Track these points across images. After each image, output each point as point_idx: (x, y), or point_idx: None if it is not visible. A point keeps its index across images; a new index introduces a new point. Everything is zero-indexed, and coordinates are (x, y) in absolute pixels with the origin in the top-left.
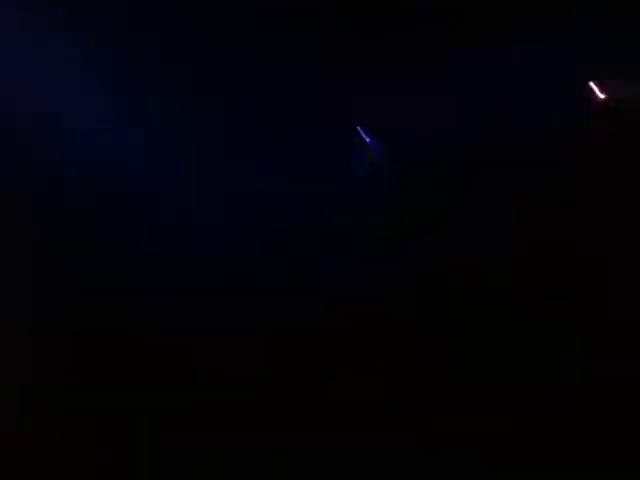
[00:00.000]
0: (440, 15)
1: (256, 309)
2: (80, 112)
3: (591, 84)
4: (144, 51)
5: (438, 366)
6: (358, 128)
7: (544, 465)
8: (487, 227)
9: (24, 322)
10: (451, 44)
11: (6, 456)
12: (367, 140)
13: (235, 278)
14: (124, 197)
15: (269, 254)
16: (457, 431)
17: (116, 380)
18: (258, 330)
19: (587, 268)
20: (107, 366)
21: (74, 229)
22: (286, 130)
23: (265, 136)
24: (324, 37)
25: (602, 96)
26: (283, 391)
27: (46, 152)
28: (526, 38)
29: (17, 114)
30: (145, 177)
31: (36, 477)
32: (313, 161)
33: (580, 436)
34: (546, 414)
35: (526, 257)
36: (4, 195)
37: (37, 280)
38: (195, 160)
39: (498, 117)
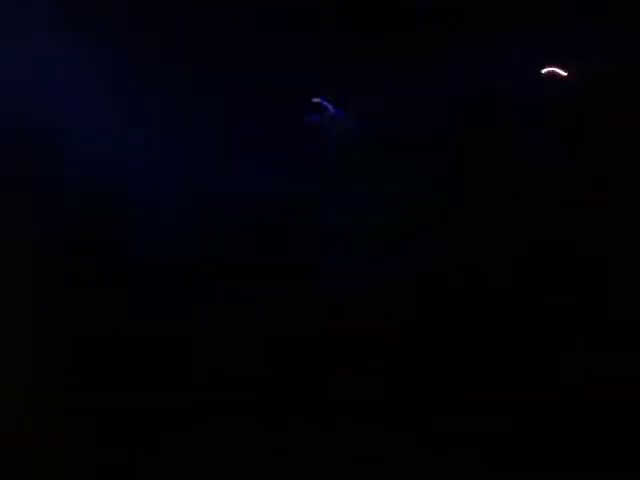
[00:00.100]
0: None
1: (256, 309)
2: (80, 112)
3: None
4: (144, 51)
5: (438, 366)
6: (323, 102)
7: (544, 465)
8: (487, 227)
9: (24, 322)
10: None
11: (6, 456)
12: (332, 111)
13: (235, 278)
14: (124, 197)
15: (269, 254)
16: (457, 431)
17: (116, 380)
18: (258, 330)
19: (587, 268)
20: (107, 366)
21: (74, 228)
22: (286, 130)
23: (265, 136)
24: (324, 37)
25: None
26: (283, 391)
27: (46, 152)
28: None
29: (17, 114)
30: (145, 176)
31: (36, 477)
32: (314, 161)
33: (580, 436)
34: (546, 414)
35: (526, 257)
36: (4, 195)
37: (37, 280)
38: (194, 159)
39: (477, 101)
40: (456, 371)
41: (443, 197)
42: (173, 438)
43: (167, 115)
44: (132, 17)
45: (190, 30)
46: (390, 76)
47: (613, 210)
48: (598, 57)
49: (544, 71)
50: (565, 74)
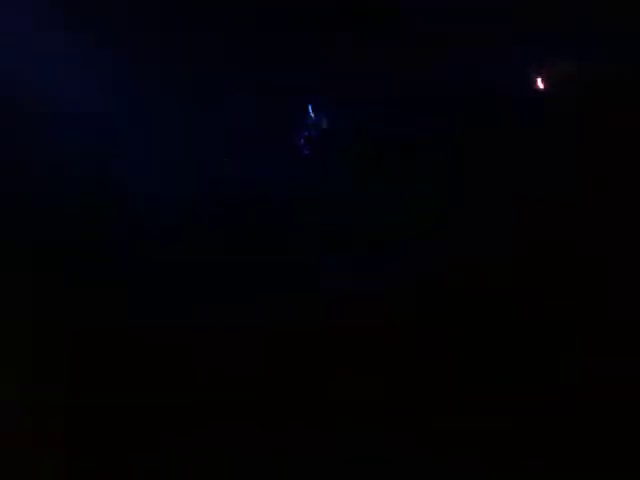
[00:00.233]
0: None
1: (256, 309)
2: (80, 112)
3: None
4: (144, 51)
5: (438, 366)
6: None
7: (544, 465)
8: (487, 227)
9: (24, 321)
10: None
11: (6, 456)
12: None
13: (235, 278)
14: (123, 197)
15: (269, 254)
16: (457, 431)
17: (116, 380)
18: (258, 330)
19: (587, 268)
20: (107, 366)
21: (74, 228)
22: (285, 130)
23: (265, 136)
24: (324, 37)
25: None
26: (283, 391)
27: (46, 151)
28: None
29: (17, 114)
30: (145, 177)
31: (36, 477)
32: (314, 161)
33: (580, 436)
34: (546, 414)
35: (526, 257)
36: (5, 195)
37: (37, 279)
38: (193, 159)
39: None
40: (456, 371)
41: (443, 197)
42: (173, 438)
43: (167, 115)
44: (132, 17)
45: (190, 30)
46: (390, 76)
47: (613, 210)
48: (598, 57)
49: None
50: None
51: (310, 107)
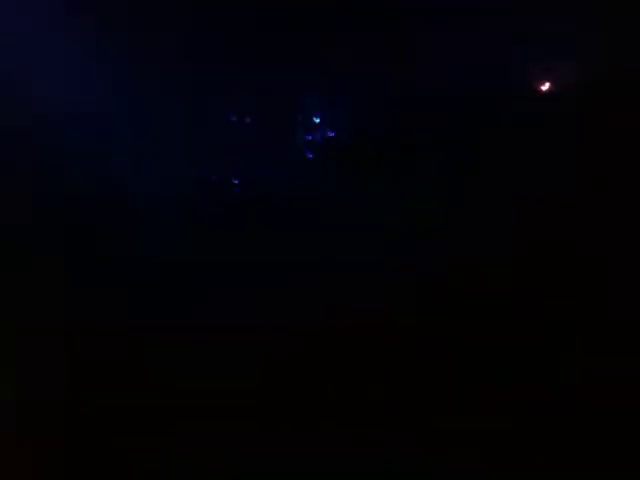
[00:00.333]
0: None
1: (255, 309)
2: (79, 112)
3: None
4: (144, 51)
5: (438, 366)
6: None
7: (544, 465)
8: (487, 227)
9: (24, 321)
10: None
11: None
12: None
13: (235, 278)
14: (123, 197)
15: (269, 254)
16: (457, 431)
17: (115, 380)
18: (258, 330)
19: (587, 268)
20: (106, 365)
21: (74, 228)
22: (285, 129)
23: (265, 136)
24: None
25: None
26: (283, 391)
27: (46, 151)
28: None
29: (17, 114)
30: (145, 177)
31: (36, 476)
32: (314, 162)
33: (580, 436)
34: (546, 414)
35: (526, 257)
36: (5, 195)
37: (37, 278)
38: (193, 159)
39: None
40: (456, 371)
41: (443, 197)
42: (173, 438)
43: (167, 115)
44: (132, 17)
45: (190, 30)
46: (390, 76)
47: (613, 210)
48: (598, 57)
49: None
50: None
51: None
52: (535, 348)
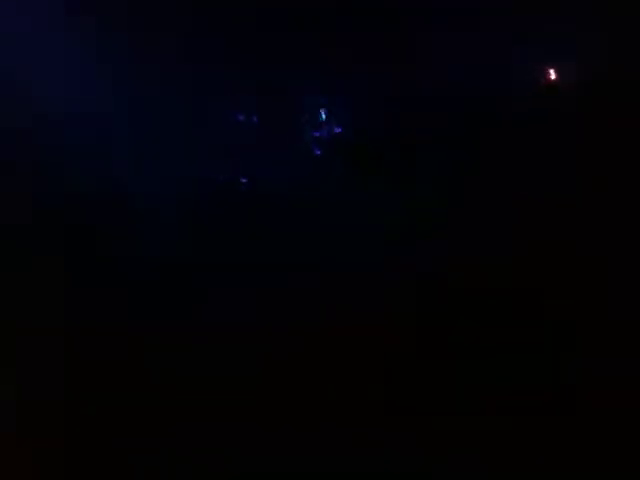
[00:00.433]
0: None
1: (255, 309)
2: (79, 112)
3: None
4: (144, 51)
5: (438, 366)
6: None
7: (544, 465)
8: (487, 227)
9: (24, 321)
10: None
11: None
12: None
13: (234, 278)
14: (123, 197)
15: (269, 254)
16: (457, 431)
17: (115, 379)
18: (258, 330)
19: (587, 268)
20: (106, 365)
21: (74, 228)
22: (285, 129)
23: (265, 135)
24: (324, 37)
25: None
26: (283, 391)
27: (46, 151)
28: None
29: (17, 114)
30: (145, 177)
31: (37, 475)
32: (314, 162)
33: (580, 436)
34: (546, 414)
35: (526, 257)
36: (5, 194)
37: (37, 278)
38: (193, 159)
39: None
40: (456, 371)
41: (443, 197)
42: (173, 438)
43: (167, 115)
44: (132, 17)
45: (190, 30)
46: (390, 76)
47: (613, 210)
48: (598, 57)
49: (544, 71)
50: (563, 75)
51: (318, 107)
52: (535, 348)
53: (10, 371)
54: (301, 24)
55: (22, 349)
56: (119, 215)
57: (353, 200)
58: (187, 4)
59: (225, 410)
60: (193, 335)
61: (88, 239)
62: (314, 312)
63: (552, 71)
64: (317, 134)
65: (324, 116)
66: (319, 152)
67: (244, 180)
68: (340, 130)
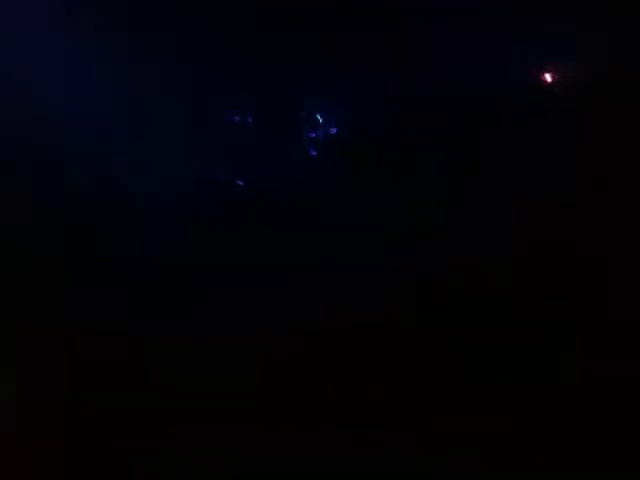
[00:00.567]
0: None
1: (255, 309)
2: (79, 112)
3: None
4: (144, 51)
5: (438, 366)
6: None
7: (544, 465)
8: (487, 227)
9: (24, 321)
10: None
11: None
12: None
13: (235, 278)
14: (123, 196)
15: (268, 254)
16: (457, 431)
17: (115, 379)
18: (258, 330)
19: (587, 268)
20: (106, 365)
21: (73, 228)
22: (285, 129)
23: (265, 135)
24: (324, 37)
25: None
26: (283, 391)
27: (46, 151)
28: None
29: (17, 114)
30: (145, 177)
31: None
32: (314, 162)
33: (580, 436)
34: (546, 414)
35: (526, 257)
36: (6, 194)
37: (37, 278)
38: (193, 159)
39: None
40: (456, 371)
41: (443, 197)
42: (173, 438)
43: (167, 115)
44: (132, 17)
45: (190, 30)
46: (390, 76)
47: (613, 210)
48: (598, 57)
49: (544, 71)
50: (563, 75)
51: (318, 107)
52: (535, 348)
53: (10, 371)
54: (301, 24)
55: (22, 349)
56: (119, 215)
57: (353, 200)
58: (187, 4)
59: (225, 410)
60: (193, 335)
61: (88, 239)
62: (314, 312)
63: (552, 71)
64: (317, 134)
65: (324, 116)
66: (319, 152)
67: (244, 180)
68: (340, 130)
